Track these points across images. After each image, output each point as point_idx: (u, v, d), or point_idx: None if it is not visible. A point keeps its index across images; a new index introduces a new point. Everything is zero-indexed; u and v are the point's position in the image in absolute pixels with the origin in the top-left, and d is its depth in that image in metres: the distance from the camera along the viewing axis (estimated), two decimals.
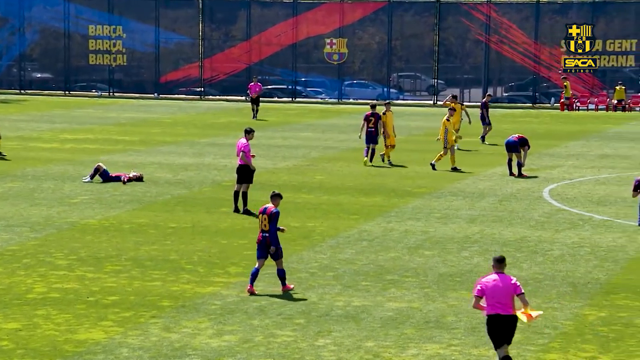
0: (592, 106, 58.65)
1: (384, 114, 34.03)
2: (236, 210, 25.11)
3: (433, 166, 32.44)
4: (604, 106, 57.90)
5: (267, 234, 17.62)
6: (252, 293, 17.60)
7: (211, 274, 19.17)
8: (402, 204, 26.71)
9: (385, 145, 34.06)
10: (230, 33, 67.33)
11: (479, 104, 42.71)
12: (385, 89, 64.53)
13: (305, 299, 17.42)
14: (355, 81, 65.99)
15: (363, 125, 34.10)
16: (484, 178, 31.13)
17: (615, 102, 57.35)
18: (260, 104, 51.54)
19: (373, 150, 33.96)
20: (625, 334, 15.49)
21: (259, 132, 41.92)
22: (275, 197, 17.88)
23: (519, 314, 13.21)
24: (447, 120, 32.96)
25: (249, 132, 25.34)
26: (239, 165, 25.16)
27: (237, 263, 20.03)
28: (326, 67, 65.43)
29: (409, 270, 19.57)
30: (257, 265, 17.78)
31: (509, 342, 13.37)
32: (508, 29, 62.43)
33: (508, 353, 13.36)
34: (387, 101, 36.14)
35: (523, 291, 13.27)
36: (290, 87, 65.19)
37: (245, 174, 25.10)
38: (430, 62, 64.40)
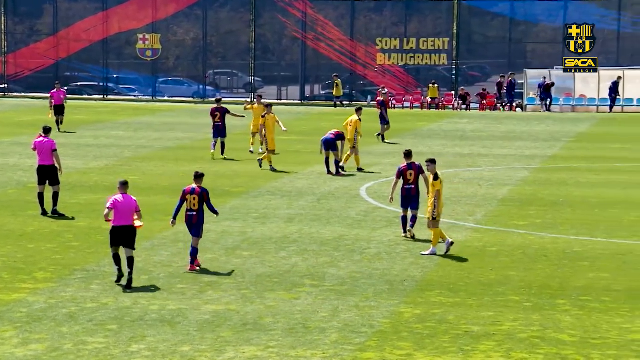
0: (407, 104, 60.18)
1: (263, 116, 32.62)
2: (44, 213, 24.48)
3: (342, 168, 31.86)
4: (419, 104, 59.50)
5: (194, 213, 19.39)
6: (194, 270, 19.41)
7: (16, 280, 18.62)
8: (220, 204, 26.58)
9: (266, 149, 32.38)
10: (36, 27, 65.59)
11: (375, 102, 42.06)
12: (202, 87, 64.32)
13: (119, 304, 17.14)
14: (170, 78, 65.48)
15: (211, 120, 35.27)
16: (302, 177, 31.44)
17: (429, 100, 59.04)
18: (69, 101, 48.62)
19: (223, 143, 34.86)
20: (439, 330, 15.95)
21: (69, 129, 40.75)
22: (200, 177, 19.65)
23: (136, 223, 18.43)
24: (359, 120, 33.29)
25: (48, 131, 25.06)
26: (40, 165, 24.60)
27: (45, 268, 19.51)
28: (139, 64, 64.63)
29: (226, 271, 19.55)
30: (192, 244, 19.57)
31: (130, 247, 18.28)
32: (324, 26, 63.31)
33: (133, 255, 18.30)
34: (268, 104, 33.99)
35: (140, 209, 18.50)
36: (101, 84, 64.06)
37: (48, 174, 24.54)
38: (247, 59, 64.61)
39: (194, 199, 19.44)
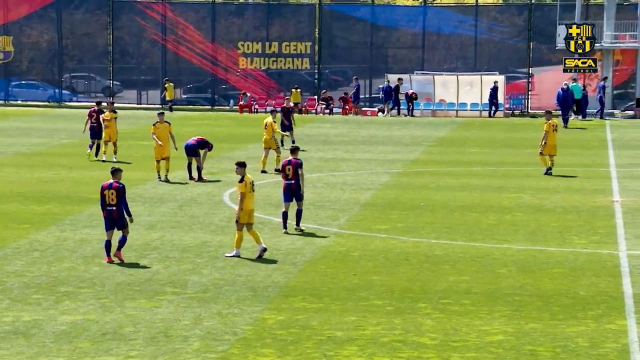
0: (269, 108, 60.26)
1: (154, 125, 31.78)
2: None
3: (278, 170, 31.57)
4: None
5: (114, 208, 20.49)
6: (111, 262, 20.40)
7: None
8: (77, 212, 26.22)
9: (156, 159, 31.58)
10: None
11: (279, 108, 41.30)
12: (57, 90, 63.11)
13: None
14: (23, 82, 64.01)
15: (87, 120, 36.00)
16: (163, 183, 31.18)
17: (292, 104, 59.24)
18: None
19: (98, 145, 35.90)
20: (302, 336, 16.06)
21: None
22: (117, 172, 20.71)
23: None
24: (274, 122, 33.84)
25: None
26: None
27: None
28: None
29: (85, 280, 19.24)
30: (107, 238, 20.64)
31: None
32: (185, 29, 62.92)
33: None
34: (161, 112, 33.12)
35: None
36: None
37: None
38: (105, 63, 63.72)
39: (112, 193, 20.55)
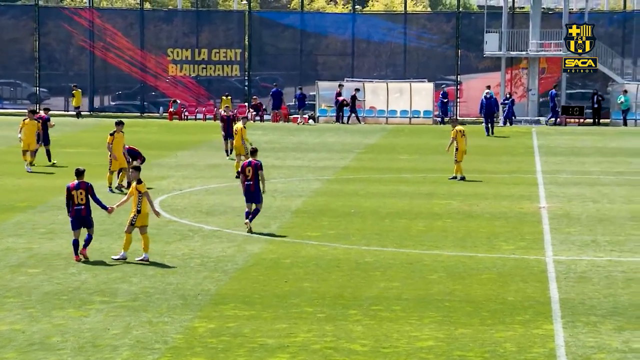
0: (200, 116, 60.10)
1: (111, 134, 30.85)
2: None
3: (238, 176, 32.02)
4: (212, 116, 59.50)
5: (82, 207, 21.35)
6: (79, 260, 21.13)
7: None
8: (2, 220, 25.83)
9: (110, 170, 30.93)
10: None
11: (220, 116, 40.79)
12: None
13: None
14: None
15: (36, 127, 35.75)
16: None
17: (222, 112, 59.00)
18: None
19: (48, 150, 36.53)
20: (233, 344, 15.99)
21: None
22: (82, 173, 21.61)
23: None
24: (244, 128, 33.87)
25: None
26: None
27: None
28: None
29: (11, 290, 18.95)
30: (75, 237, 21.36)
31: None
32: (113, 35, 62.39)
33: None
34: (119, 120, 31.93)
35: None
36: None
37: None
38: (32, 69, 62.90)
39: (81, 193, 21.44)
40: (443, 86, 57.36)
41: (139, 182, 21.71)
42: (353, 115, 56.50)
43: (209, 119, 59.21)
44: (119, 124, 31.26)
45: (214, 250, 22.79)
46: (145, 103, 62.91)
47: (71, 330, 16.50)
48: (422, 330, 16.80)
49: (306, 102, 57.28)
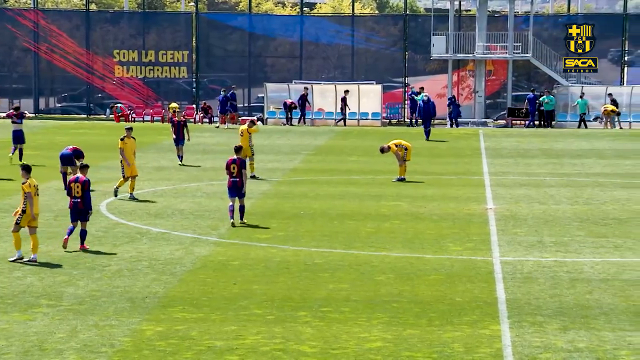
0: (147, 117, 59.78)
1: (122, 139, 30.12)
2: None
3: (253, 177, 32.71)
4: (160, 117, 59.21)
5: (79, 200, 22.35)
6: (65, 247, 22.36)
7: None
8: None
9: (123, 175, 30.10)
10: None
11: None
12: None
13: None
14: None
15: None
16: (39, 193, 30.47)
17: (183, 119, 58.58)
18: None
19: (20, 149, 37.32)
20: (181, 347, 15.93)
21: None
22: (85, 168, 22.96)
23: None
24: (249, 130, 34.81)
25: None
26: None
27: None
28: None
29: None
30: (71, 226, 22.61)
31: None
32: (58, 37, 61.86)
33: None
34: (129, 126, 31.48)
35: None
36: None
37: None
38: None
39: (78, 186, 22.40)
40: (412, 87, 57.25)
41: (24, 182, 21.66)
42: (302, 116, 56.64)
43: (157, 120, 58.89)
44: (129, 129, 30.71)
45: (162, 252, 22.68)
46: (91, 105, 62.44)
47: (16, 334, 16.33)
48: (371, 331, 16.85)
49: (228, 106, 56.29)
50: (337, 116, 57.28)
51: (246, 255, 22.55)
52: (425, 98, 50.24)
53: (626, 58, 61.09)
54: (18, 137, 37.63)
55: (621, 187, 34.00)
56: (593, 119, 56.45)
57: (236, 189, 25.89)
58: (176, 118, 39.99)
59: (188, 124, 41.13)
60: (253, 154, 35.06)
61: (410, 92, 57.34)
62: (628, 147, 46.63)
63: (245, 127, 35.08)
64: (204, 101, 59.54)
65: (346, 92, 56.76)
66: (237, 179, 25.83)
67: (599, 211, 28.90)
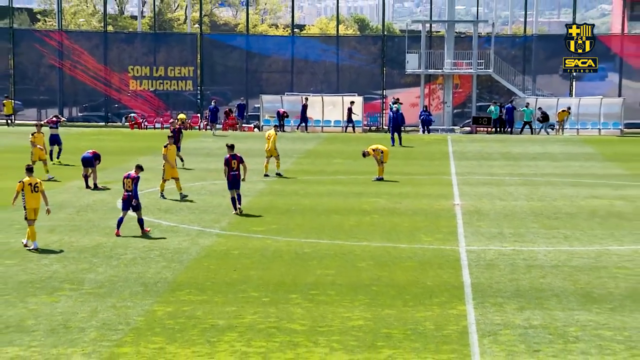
0: (158, 125, 59.66)
1: (165, 147, 29.79)
2: None
3: (279, 175, 32.61)
4: (169, 125, 59.02)
5: (130, 193, 22.85)
6: (118, 235, 22.69)
7: None
8: None
9: (162, 178, 29.69)
10: None
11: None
12: None
13: None
14: None
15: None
16: (62, 191, 30.50)
17: (177, 127, 58.39)
18: None
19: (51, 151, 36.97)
20: (188, 325, 15.94)
21: None
22: (138, 168, 23.54)
23: None
24: (276, 133, 35.57)
25: None
26: None
27: None
28: None
29: None
30: (122, 215, 23.09)
31: None
32: (80, 55, 61.78)
33: None
34: (171, 134, 31.33)
35: None
36: None
37: None
38: (7, 84, 62.07)
39: (129, 182, 22.98)
40: (396, 97, 56.69)
41: (20, 181, 21.62)
42: (303, 124, 56.47)
43: (166, 127, 58.75)
44: (171, 137, 31.16)
45: (171, 243, 22.66)
46: (109, 114, 62.33)
47: (44, 314, 16.31)
48: (354, 311, 16.88)
49: (217, 116, 55.94)
50: (344, 124, 56.87)
51: (244, 246, 22.55)
52: (395, 109, 49.87)
53: (574, 73, 61.19)
54: (54, 140, 38.39)
55: (570, 185, 34.09)
56: (549, 127, 56.46)
57: (235, 182, 26.51)
58: (172, 126, 39.70)
59: (183, 131, 40.97)
60: (278, 154, 35.53)
61: (391, 101, 57.09)
62: (577, 151, 46.75)
63: (272, 131, 35.77)
64: (228, 107, 58.96)
65: (352, 103, 56.64)
66: (237, 172, 26.55)
67: (551, 207, 28.98)
